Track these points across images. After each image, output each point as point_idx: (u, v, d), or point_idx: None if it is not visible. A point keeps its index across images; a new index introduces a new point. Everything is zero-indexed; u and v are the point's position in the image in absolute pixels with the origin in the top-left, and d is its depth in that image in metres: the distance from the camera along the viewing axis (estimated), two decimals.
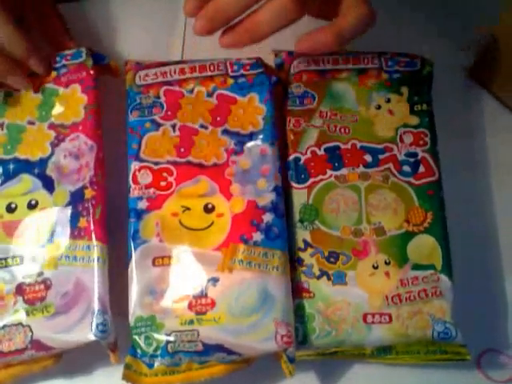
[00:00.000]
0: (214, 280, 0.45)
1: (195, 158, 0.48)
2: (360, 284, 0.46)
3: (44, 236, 0.46)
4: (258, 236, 0.45)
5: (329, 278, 0.46)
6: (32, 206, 0.47)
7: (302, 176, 0.48)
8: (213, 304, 0.44)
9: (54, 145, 0.48)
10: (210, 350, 0.43)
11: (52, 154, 0.48)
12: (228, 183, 0.47)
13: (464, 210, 0.52)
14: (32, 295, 0.45)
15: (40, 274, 0.45)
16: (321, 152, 0.49)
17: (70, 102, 0.49)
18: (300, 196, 0.48)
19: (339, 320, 0.45)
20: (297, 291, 0.46)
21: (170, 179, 0.47)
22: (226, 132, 0.48)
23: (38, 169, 0.48)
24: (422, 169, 0.48)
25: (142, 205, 0.46)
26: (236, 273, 0.45)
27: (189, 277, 0.45)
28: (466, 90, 0.57)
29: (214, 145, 0.48)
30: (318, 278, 0.46)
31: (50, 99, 0.50)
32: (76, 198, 0.47)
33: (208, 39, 0.57)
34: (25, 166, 0.48)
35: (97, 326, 0.43)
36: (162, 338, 0.43)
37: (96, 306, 0.44)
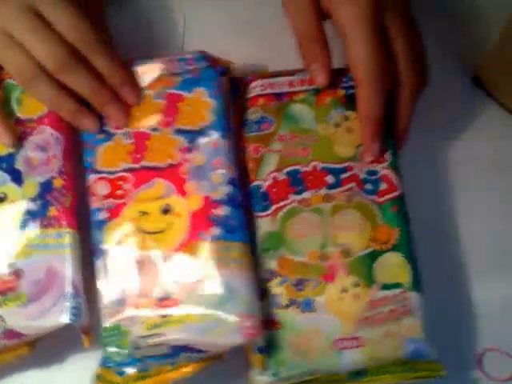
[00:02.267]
0: (177, 280, 0.45)
1: (149, 161, 0.48)
2: (329, 309, 0.45)
3: (14, 227, 0.47)
4: (216, 231, 0.45)
5: (297, 307, 0.45)
6: (1, 200, 0.48)
7: (265, 203, 0.48)
8: (177, 304, 0.44)
9: (22, 139, 0.49)
10: (177, 351, 0.43)
11: (20, 147, 0.49)
12: (183, 182, 0.47)
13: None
14: (3, 286, 0.45)
15: (12, 264, 0.46)
16: (282, 176, 0.48)
17: None
18: (264, 224, 0.47)
19: (310, 349, 0.44)
20: (266, 323, 0.45)
21: (127, 186, 0.47)
22: (177, 131, 0.48)
23: (5, 163, 0.48)
24: (383, 186, 0.47)
25: (102, 215, 0.47)
26: (198, 270, 0.45)
27: (152, 280, 0.45)
28: (468, 95, 0.57)
29: (167, 145, 0.48)
30: (287, 307, 0.45)
31: (15, 94, 0.50)
32: (45, 189, 0.47)
33: (207, 39, 0.57)
34: None
35: (70, 310, 0.44)
36: (129, 345, 0.44)
37: (69, 289, 0.45)
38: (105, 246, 0.46)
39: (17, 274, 0.46)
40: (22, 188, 0.48)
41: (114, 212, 0.47)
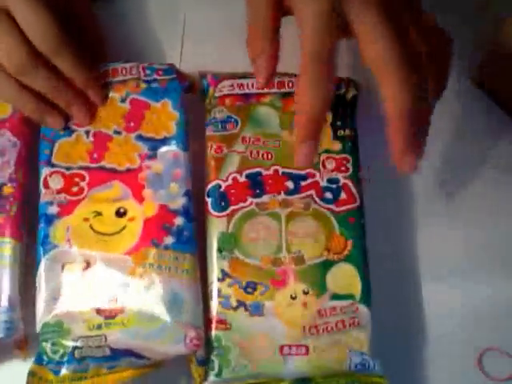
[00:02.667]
0: (125, 284, 0.44)
1: (108, 163, 0.48)
2: (277, 315, 0.45)
3: None
4: (168, 240, 0.45)
5: (246, 309, 0.45)
6: None
7: (222, 203, 0.47)
8: (122, 308, 0.44)
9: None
10: (118, 354, 0.43)
11: None
12: (141, 187, 0.47)
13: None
14: None
15: None
16: (242, 178, 0.48)
17: None
18: (219, 224, 0.47)
19: (255, 352, 0.44)
20: (214, 323, 0.45)
21: (82, 184, 0.47)
22: (139, 137, 0.48)
23: None
24: (343, 195, 0.47)
25: (53, 210, 0.46)
26: (146, 277, 0.44)
27: (99, 282, 0.45)
28: (468, 95, 0.56)
29: (128, 150, 0.48)
30: (235, 309, 0.45)
31: None
32: None
33: (206, 38, 0.57)
34: None
35: (3, 324, 0.43)
36: (69, 343, 0.43)
37: (4, 303, 0.43)
38: (52, 242, 0.45)
39: None
40: None
41: (67, 208, 0.46)
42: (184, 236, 0.46)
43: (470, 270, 0.51)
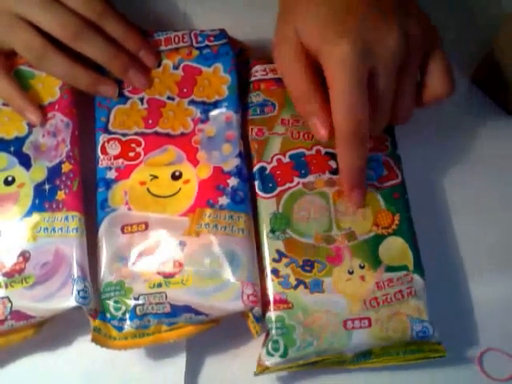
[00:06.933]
0: (182, 244, 0.45)
1: (163, 128, 0.49)
2: (337, 290, 0.45)
3: (22, 210, 0.46)
4: (223, 200, 0.46)
5: (306, 287, 0.45)
6: (9, 183, 0.48)
7: (270, 185, 0.47)
8: (180, 267, 0.45)
9: (32, 124, 0.49)
10: (178, 311, 0.44)
11: (29, 133, 0.49)
12: (195, 151, 0.48)
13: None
14: (10, 268, 0.45)
15: (18, 247, 0.45)
16: (286, 160, 0.48)
17: (45, 83, 0.50)
18: (269, 205, 0.47)
19: (320, 329, 0.44)
20: (275, 303, 0.45)
21: (138, 150, 0.48)
22: (192, 102, 0.49)
23: (13, 147, 0.48)
24: (385, 172, 0.49)
25: (111, 175, 0.47)
26: (203, 236, 0.45)
27: (157, 242, 0.45)
28: (468, 95, 0.57)
29: (181, 115, 0.49)
30: (295, 287, 0.45)
31: (25, 82, 0.50)
32: (53, 173, 0.47)
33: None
34: None
35: (78, 293, 0.44)
36: (131, 301, 0.44)
37: (76, 273, 0.44)
38: (111, 205, 0.46)
39: (24, 256, 0.45)
40: (30, 172, 0.48)
41: (124, 173, 0.47)
42: (238, 196, 0.46)
43: (470, 270, 0.51)
